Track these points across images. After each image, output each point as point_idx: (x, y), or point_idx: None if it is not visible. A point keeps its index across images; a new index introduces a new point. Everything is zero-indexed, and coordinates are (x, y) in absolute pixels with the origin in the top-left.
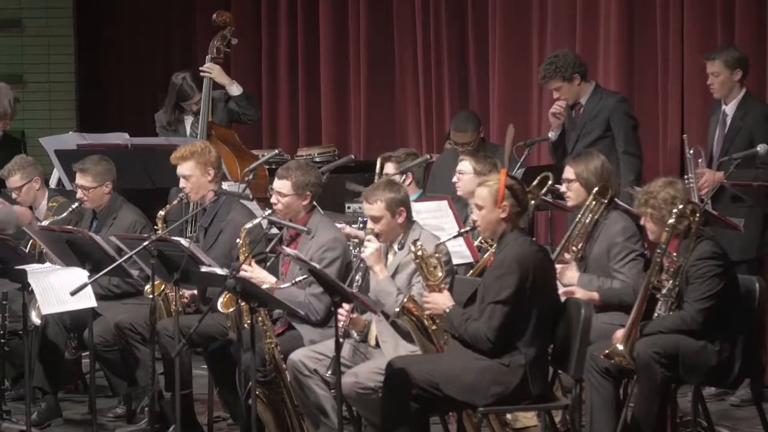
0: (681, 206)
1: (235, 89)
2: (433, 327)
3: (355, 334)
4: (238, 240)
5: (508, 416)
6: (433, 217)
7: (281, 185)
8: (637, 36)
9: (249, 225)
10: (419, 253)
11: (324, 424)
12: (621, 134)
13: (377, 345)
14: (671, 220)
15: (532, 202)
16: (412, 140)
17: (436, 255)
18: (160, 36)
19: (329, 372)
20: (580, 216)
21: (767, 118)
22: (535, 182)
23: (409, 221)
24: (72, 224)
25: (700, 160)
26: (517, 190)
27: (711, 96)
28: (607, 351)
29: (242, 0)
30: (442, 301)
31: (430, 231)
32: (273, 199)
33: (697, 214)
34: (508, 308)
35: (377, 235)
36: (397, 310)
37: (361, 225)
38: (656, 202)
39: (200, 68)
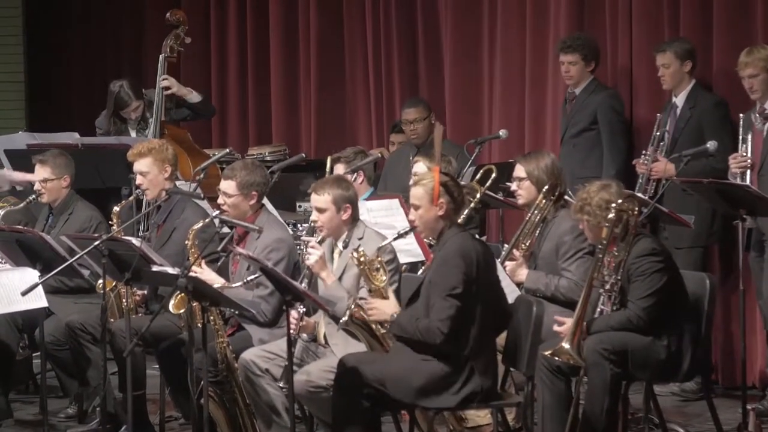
0: (619, 201)
1: (194, 97)
2: (382, 331)
3: (304, 336)
4: (186, 241)
5: None
6: (384, 216)
7: (227, 186)
8: (587, 29)
9: (197, 225)
10: (361, 258)
11: (276, 423)
12: (606, 129)
13: (327, 344)
14: (611, 215)
15: (478, 196)
16: (363, 138)
17: (379, 258)
18: (109, 36)
19: (282, 382)
20: (530, 214)
21: (716, 108)
22: (477, 176)
23: (354, 220)
24: (26, 221)
25: (662, 144)
26: (452, 186)
27: (659, 93)
28: (552, 350)
29: None
30: (386, 307)
31: (380, 229)
32: (219, 200)
33: (635, 211)
34: (457, 301)
35: (320, 229)
36: (345, 319)
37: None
38: (591, 208)
39: (161, 84)
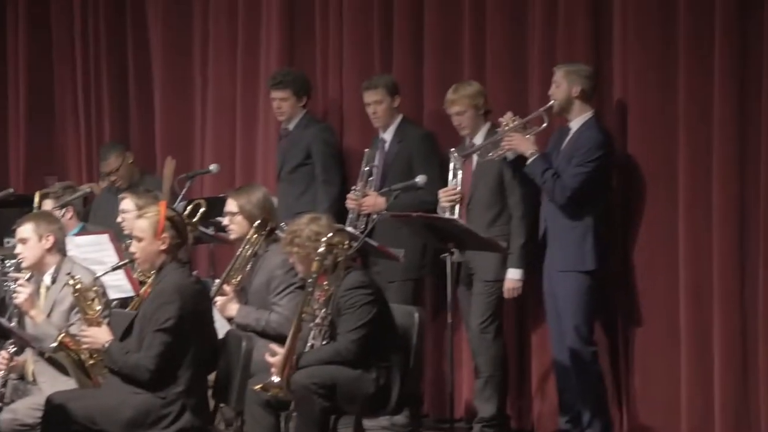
0: (329, 235)
1: None
2: (91, 361)
3: (13, 376)
4: None
5: None
6: (94, 251)
7: None
8: (297, 64)
9: None
10: (77, 286)
11: None
12: (320, 162)
13: (35, 381)
14: (321, 249)
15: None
16: (73, 172)
17: (95, 288)
18: None
19: None
20: (241, 249)
21: (424, 141)
22: (187, 211)
23: (62, 255)
24: None
25: (371, 179)
26: (178, 221)
27: (370, 126)
28: (262, 384)
29: None
30: (100, 335)
31: (89, 265)
32: None
33: (345, 244)
34: (168, 337)
35: (23, 261)
36: (54, 344)
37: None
38: (301, 240)
39: None
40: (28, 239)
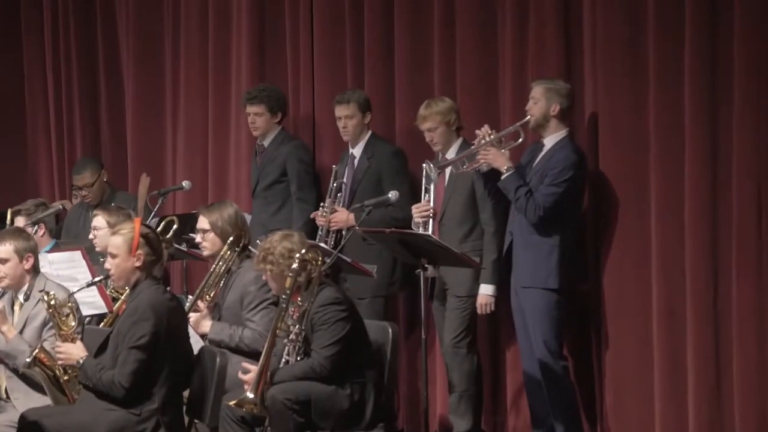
0: (302, 252)
1: None
2: (65, 377)
3: None
4: None
5: None
6: (67, 268)
7: None
8: (268, 80)
9: None
10: (52, 302)
11: None
12: (295, 179)
13: (8, 398)
14: (294, 265)
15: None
16: (46, 189)
17: (69, 304)
18: None
19: None
20: (215, 265)
21: (394, 157)
22: (159, 228)
23: (36, 272)
24: None
25: (340, 194)
26: (152, 238)
27: (342, 142)
28: (237, 400)
29: None
30: (75, 351)
31: (62, 282)
32: None
33: (318, 261)
34: (143, 354)
35: (1, 279)
36: (29, 360)
37: None
38: (274, 258)
39: None
40: (9, 259)
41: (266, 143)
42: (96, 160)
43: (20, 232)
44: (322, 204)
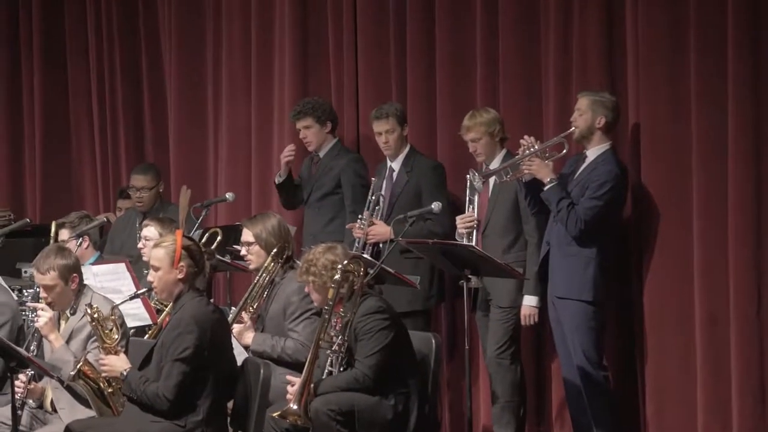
0: (344, 263)
1: None
2: (110, 390)
3: (31, 402)
4: None
5: None
6: (110, 280)
7: None
8: (312, 94)
9: None
10: (95, 315)
11: None
12: (349, 193)
13: (54, 410)
14: (337, 276)
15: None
16: (90, 202)
17: (112, 317)
18: None
19: None
20: (258, 277)
21: (434, 171)
22: (203, 240)
23: (81, 285)
24: None
25: (378, 207)
26: (194, 250)
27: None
28: (280, 411)
29: None
30: (118, 364)
31: (106, 294)
32: None
33: (361, 271)
34: (187, 366)
35: (50, 304)
36: (73, 373)
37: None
38: (317, 269)
39: None
40: (56, 285)
41: (321, 154)
42: (158, 169)
43: (60, 252)
44: (360, 216)
